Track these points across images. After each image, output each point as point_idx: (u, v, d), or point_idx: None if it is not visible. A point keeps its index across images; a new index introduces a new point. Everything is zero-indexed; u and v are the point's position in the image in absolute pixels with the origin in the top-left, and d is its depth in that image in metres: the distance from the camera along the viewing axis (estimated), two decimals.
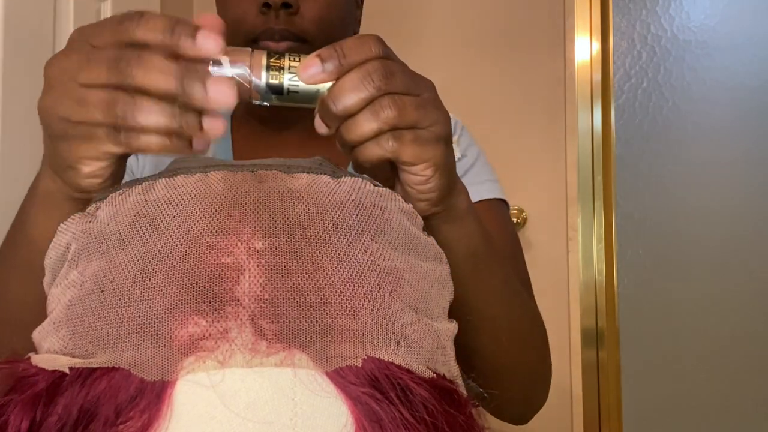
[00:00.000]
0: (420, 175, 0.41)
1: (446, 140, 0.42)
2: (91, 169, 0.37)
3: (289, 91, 0.40)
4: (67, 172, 0.38)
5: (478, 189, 0.69)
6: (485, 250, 0.49)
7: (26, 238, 0.43)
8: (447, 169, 0.42)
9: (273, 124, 0.72)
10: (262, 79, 0.39)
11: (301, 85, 0.39)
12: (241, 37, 0.65)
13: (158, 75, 0.34)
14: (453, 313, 0.40)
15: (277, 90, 0.40)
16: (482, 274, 0.50)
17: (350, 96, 0.38)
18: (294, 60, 0.40)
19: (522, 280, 0.66)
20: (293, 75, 0.39)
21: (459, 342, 0.40)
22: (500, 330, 0.52)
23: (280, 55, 0.40)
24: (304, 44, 0.64)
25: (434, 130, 0.40)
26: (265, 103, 0.41)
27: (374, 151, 0.39)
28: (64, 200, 0.40)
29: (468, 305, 0.48)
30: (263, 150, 0.71)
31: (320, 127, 0.41)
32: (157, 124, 0.35)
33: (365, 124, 0.38)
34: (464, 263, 0.48)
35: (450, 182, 0.44)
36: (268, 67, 0.39)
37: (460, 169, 0.70)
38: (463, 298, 0.47)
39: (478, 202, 0.68)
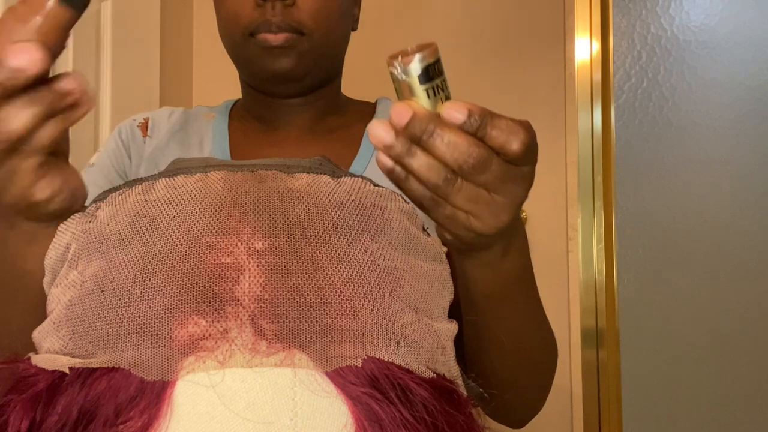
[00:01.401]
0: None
1: (499, 234, 0.39)
2: (47, 191, 0.34)
3: (426, 90, 0.37)
4: (33, 211, 0.35)
5: None
6: (510, 292, 0.47)
7: (21, 275, 0.40)
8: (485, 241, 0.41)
9: (271, 122, 0.72)
10: (415, 69, 0.37)
11: (426, 101, 0.37)
12: (238, 31, 0.65)
13: None
14: (468, 333, 0.40)
15: (426, 78, 0.37)
16: (501, 313, 0.47)
17: (439, 149, 0.35)
18: (442, 88, 0.37)
19: None
20: (433, 87, 0.37)
21: (466, 354, 0.39)
22: (512, 356, 0.51)
23: (441, 78, 0.38)
24: (301, 36, 0.64)
25: (489, 223, 0.38)
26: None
27: (420, 193, 0.37)
28: (49, 228, 0.37)
29: (482, 334, 0.48)
30: (262, 149, 0.70)
31: (386, 128, 0.36)
32: (25, 121, 0.32)
33: (432, 178, 0.36)
34: (484, 302, 0.46)
35: (487, 242, 0.42)
36: (427, 68, 0.37)
37: None
38: (478, 326, 0.47)
39: None
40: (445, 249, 0.43)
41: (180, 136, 0.71)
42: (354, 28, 0.73)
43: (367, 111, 0.75)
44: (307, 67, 0.66)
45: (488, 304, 0.46)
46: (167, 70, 1.63)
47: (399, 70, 0.37)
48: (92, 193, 0.39)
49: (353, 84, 0.76)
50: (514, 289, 0.46)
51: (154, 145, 0.69)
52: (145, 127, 0.71)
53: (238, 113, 0.75)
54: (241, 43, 0.65)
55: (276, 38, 0.63)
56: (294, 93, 0.69)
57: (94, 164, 0.69)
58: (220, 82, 0.75)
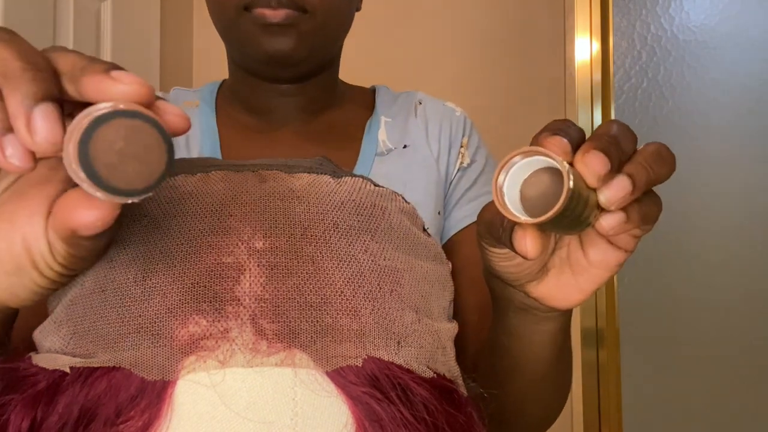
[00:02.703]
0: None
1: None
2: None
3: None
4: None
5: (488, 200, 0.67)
6: (548, 354, 0.48)
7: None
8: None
9: (264, 114, 0.66)
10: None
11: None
12: (231, 4, 0.58)
13: None
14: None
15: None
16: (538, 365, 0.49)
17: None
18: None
19: None
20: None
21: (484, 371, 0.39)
22: (535, 390, 0.52)
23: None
24: (304, 14, 0.58)
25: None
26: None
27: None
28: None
29: (509, 371, 0.49)
30: (255, 148, 0.65)
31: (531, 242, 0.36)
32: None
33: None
34: (540, 352, 0.47)
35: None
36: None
37: (468, 176, 0.67)
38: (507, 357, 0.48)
39: None
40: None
41: None
42: (358, 8, 0.68)
43: (365, 101, 0.71)
44: (308, 50, 0.60)
45: (526, 360, 0.48)
46: (167, 70, 1.63)
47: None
48: None
49: (353, 81, 0.76)
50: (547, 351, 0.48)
51: None
52: None
53: (225, 101, 0.68)
54: (234, 17, 0.58)
55: (275, 14, 0.56)
56: (290, 77, 0.64)
57: None
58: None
